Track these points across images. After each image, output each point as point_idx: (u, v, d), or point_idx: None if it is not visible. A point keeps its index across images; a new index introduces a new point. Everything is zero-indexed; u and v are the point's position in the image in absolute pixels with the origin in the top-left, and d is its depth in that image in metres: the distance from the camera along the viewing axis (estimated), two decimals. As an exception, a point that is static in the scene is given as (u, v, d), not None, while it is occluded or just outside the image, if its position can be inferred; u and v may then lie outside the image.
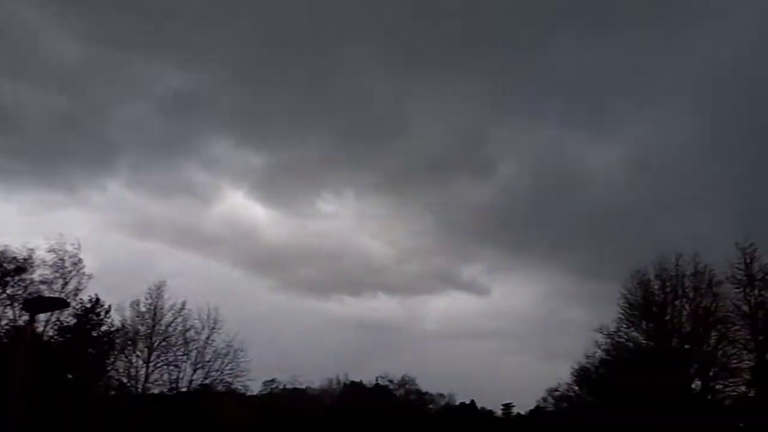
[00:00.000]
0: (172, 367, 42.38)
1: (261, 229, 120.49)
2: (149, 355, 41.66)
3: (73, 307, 39.24)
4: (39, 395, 29.14)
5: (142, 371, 41.63)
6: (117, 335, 41.89)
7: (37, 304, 26.57)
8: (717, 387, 40.40)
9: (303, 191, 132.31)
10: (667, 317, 41.99)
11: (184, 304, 42.74)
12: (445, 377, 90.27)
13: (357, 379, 79.08)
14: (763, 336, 36.52)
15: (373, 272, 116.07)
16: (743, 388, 39.80)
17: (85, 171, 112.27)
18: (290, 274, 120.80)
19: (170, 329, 42.22)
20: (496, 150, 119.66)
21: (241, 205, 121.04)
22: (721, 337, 39.37)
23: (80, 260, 38.99)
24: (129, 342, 41.75)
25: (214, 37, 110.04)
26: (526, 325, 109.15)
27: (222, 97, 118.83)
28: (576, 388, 58.55)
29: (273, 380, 72.03)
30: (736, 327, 38.38)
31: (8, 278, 36.76)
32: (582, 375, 55.26)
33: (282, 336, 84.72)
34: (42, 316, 35.65)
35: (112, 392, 42.79)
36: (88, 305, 41.04)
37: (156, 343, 41.84)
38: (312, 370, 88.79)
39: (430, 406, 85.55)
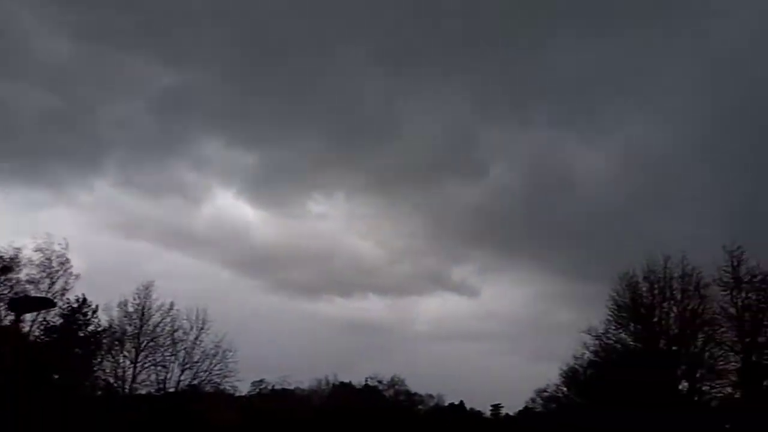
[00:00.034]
0: (159, 368, 42.22)
1: (251, 230, 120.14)
2: (137, 355, 41.43)
3: (60, 307, 39.03)
4: (25, 395, 28.86)
5: (130, 371, 41.46)
6: (104, 335, 41.65)
7: (23, 303, 26.36)
8: (704, 388, 40.63)
9: (293, 192, 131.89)
10: (655, 319, 42.22)
11: (172, 304, 42.63)
12: (435, 378, 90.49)
13: (346, 380, 79.14)
14: (749, 338, 36.78)
15: (364, 273, 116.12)
16: (729, 390, 40.08)
17: (73, 170, 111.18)
18: (280, 274, 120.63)
19: (158, 329, 42.09)
20: (487, 151, 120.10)
21: (230, 206, 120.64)
22: (708, 339, 39.62)
23: (67, 260, 38.88)
24: (116, 342, 41.50)
25: (205, 35, 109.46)
26: (515, 326, 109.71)
27: (212, 96, 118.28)
28: (564, 389, 58.91)
29: (262, 381, 71.81)
30: (722, 329, 38.63)
31: (-6, 278, 36.45)
32: (570, 376, 55.58)
33: (271, 337, 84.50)
34: (28, 316, 35.50)
35: (99, 392, 42.52)
36: (75, 305, 40.79)
37: (143, 344, 41.62)
38: (301, 371, 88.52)
39: (420, 406, 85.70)
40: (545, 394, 67.68)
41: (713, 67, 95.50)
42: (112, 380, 41.75)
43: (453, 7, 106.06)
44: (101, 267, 70.52)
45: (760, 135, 76.68)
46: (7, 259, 36.91)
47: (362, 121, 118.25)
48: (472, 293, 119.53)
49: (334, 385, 77.86)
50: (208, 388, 44.36)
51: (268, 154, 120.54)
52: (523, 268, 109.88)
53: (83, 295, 41.02)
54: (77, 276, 39.40)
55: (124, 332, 41.70)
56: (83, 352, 41.21)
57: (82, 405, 36.62)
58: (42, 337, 39.06)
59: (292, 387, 72.45)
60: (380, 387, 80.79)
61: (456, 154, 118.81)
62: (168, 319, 42.30)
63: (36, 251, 37.76)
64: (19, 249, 37.32)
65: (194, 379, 43.09)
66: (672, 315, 41.77)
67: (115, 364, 41.49)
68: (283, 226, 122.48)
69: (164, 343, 42.23)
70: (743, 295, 36.99)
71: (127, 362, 41.51)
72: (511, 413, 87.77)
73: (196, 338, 42.77)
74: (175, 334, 42.39)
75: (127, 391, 41.35)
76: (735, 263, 37.01)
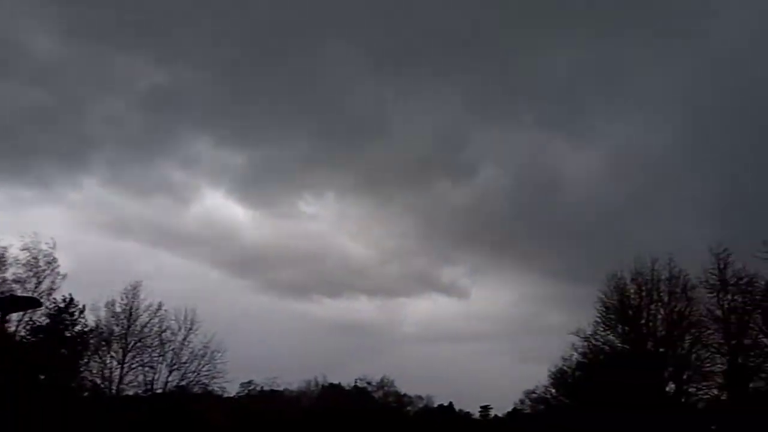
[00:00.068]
0: (147, 369, 41.89)
1: (240, 230, 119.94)
2: (124, 356, 41.10)
3: (47, 307, 38.73)
4: (11, 396, 28.60)
5: (117, 372, 41.10)
6: (91, 336, 41.29)
7: (9, 303, 25.92)
8: (690, 390, 40.90)
9: (283, 192, 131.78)
10: (643, 321, 42.47)
11: (160, 304, 42.26)
12: (424, 379, 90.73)
13: (335, 381, 79.02)
14: (735, 340, 37.07)
15: (353, 274, 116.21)
16: (716, 391, 40.42)
17: (60, 168, 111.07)
18: (270, 275, 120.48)
19: (146, 330, 41.75)
20: (477, 152, 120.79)
21: (220, 205, 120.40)
22: (694, 341, 39.93)
23: (54, 259, 38.61)
24: (103, 343, 41.15)
25: (195, 33, 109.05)
26: (505, 327, 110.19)
27: (202, 95, 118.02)
28: (553, 390, 59.14)
29: (250, 382, 71.46)
30: (709, 331, 38.95)
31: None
32: (559, 377, 55.83)
33: (260, 337, 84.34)
34: (14, 316, 35.10)
35: (86, 393, 42.12)
36: (62, 305, 40.50)
37: (131, 344, 41.28)
38: (290, 372, 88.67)
39: (409, 408, 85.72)
40: (534, 395, 68.01)
41: (701, 70, 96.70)
42: (99, 381, 41.38)
43: (444, 8, 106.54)
44: (89, 266, 70.25)
45: (748, 137, 77.64)
46: (-6, 258, 36.58)
47: (353, 122, 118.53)
48: (462, 295, 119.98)
49: (323, 386, 77.74)
50: (196, 389, 44.06)
51: (258, 154, 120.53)
52: (513, 269, 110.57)
53: (70, 294, 40.87)
54: (64, 275, 39.27)
55: (112, 332, 41.38)
56: (70, 352, 40.84)
57: (68, 406, 36.27)
58: (28, 337, 38.67)
59: (281, 388, 72.29)
60: (369, 388, 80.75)
61: (446, 154, 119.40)
62: (156, 320, 42.05)
63: (23, 250, 37.53)
64: (5, 248, 37.10)
65: (182, 380, 42.79)
66: (659, 317, 42.08)
67: (102, 365, 41.17)
68: (272, 226, 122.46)
69: (152, 343, 41.94)
70: (729, 297, 37.30)
71: (114, 363, 41.19)
72: (500, 414, 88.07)
73: (185, 339, 42.52)
74: (163, 335, 42.13)
75: (114, 392, 41.00)
76: (721, 266, 37.36)
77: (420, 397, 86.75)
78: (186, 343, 42.47)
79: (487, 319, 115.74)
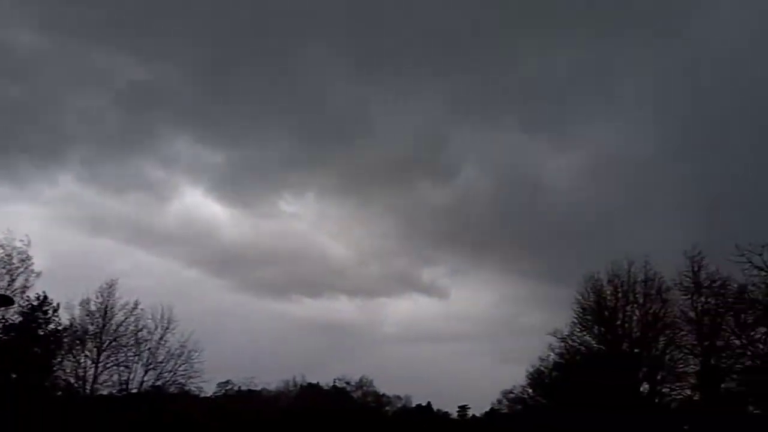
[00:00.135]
0: (122, 368, 41.31)
1: (219, 229, 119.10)
2: (98, 355, 40.51)
3: (20, 305, 38.06)
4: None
5: (91, 372, 40.50)
6: (65, 334, 40.65)
7: (-21, 301, 25.66)
8: (664, 390, 41.49)
9: (263, 191, 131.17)
10: (618, 322, 43.03)
11: (136, 303, 41.75)
12: (404, 379, 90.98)
13: (314, 381, 78.95)
14: (708, 341, 37.61)
15: (334, 274, 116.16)
16: (688, 392, 41.03)
17: (35, 164, 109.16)
18: (248, 274, 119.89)
19: (121, 329, 41.15)
20: (459, 153, 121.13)
21: (199, 204, 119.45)
22: (668, 342, 40.50)
23: (29, 256, 37.95)
24: (77, 341, 40.54)
25: (175, 30, 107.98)
26: (485, 328, 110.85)
27: (182, 92, 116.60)
28: (530, 390, 59.70)
29: (228, 382, 71.16)
30: (682, 332, 39.49)
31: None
32: (536, 378, 56.38)
33: (238, 337, 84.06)
34: (-14, 314, 34.45)
35: (59, 393, 41.49)
36: (36, 303, 39.79)
37: (106, 343, 40.69)
38: (268, 372, 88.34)
39: (387, 408, 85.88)
40: (511, 395, 68.57)
41: (684, 74, 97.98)
42: (72, 380, 40.77)
43: (426, 9, 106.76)
44: (64, 264, 69.38)
45: (724, 141, 79.11)
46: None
47: (334, 121, 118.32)
48: (442, 295, 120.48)
49: (301, 386, 77.59)
50: (172, 389, 43.61)
51: (238, 153, 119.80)
52: (494, 270, 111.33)
53: (44, 292, 40.10)
54: (38, 273, 38.62)
55: (86, 331, 40.76)
56: (43, 351, 40.16)
57: (40, 405, 35.72)
58: (0, 335, 38.01)
59: (259, 388, 71.96)
60: (348, 388, 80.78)
61: (427, 155, 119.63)
62: (132, 319, 41.47)
63: (-4, 247, 36.74)
64: (-22, 245, 36.28)
65: (158, 379, 42.28)
66: (635, 318, 42.68)
67: (76, 364, 40.52)
68: (252, 226, 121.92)
69: (127, 342, 41.38)
70: (702, 299, 37.81)
71: (89, 362, 40.58)
72: (477, 414, 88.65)
73: (161, 338, 42.01)
74: (139, 334, 41.55)
75: (88, 391, 40.45)
76: (695, 269, 37.86)
77: (399, 397, 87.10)
78: (162, 343, 42.02)
79: (468, 320, 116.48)
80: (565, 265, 77.39)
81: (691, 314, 38.35)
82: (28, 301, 39.18)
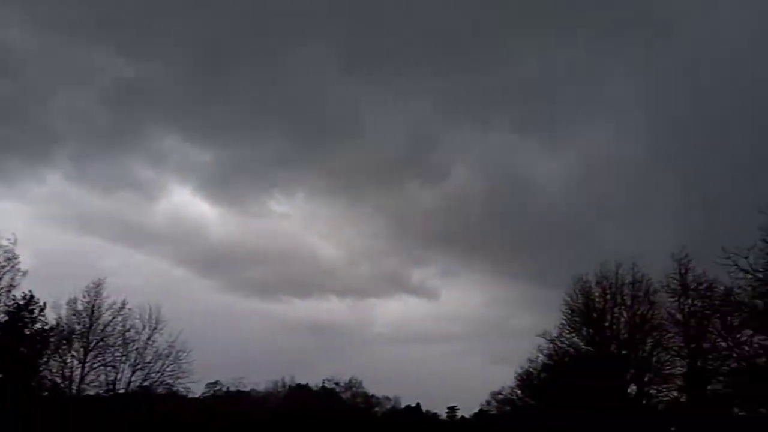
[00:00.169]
0: (109, 368, 40.94)
1: (208, 228, 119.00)
2: (85, 355, 40.13)
3: (6, 304, 38.04)
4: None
5: (78, 372, 40.13)
6: (51, 334, 40.28)
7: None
8: (651, 392, 41.75)
9: (253, 190, 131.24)
10: (606, 323, 43.27)
11: (124, 302, 41.39)
12: (393, 380, 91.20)
13: (303, 382, 78.75)
14: (694, 343, 37.91)
15: (324, 274, 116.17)
16: (675, 394, 41.31)
17: (23, 161, 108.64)
18: (238, 274, 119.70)
19: (108, 329, 40.78)
20: (449, 154, 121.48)
21: (187, 202, 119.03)
22: (655, 344, 40.75)
23: (15, 255, 37.74)
24: (64, 341, 40.18)
25: (165, 27, 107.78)
26: (476, 329, 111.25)
27: (171, 90, 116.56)
28: (519, 391, 59.84)
29: (216, 382, 70.90)
30: (670, 334, 39.78)
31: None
32: (525, 379, 56.52)
33: (227, 337, 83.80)
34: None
35: (45, 393, 41.12)
36: (22, 302, 39.45)
37: (93, 343, 40.32)
38: (257, 373, 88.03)
39: (377, 409, 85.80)
40: (500, 396, 68.73)
41: (676, 74, 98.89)
42: (59, 380, 40.37)
43: (417, 10, 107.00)
44: (50, 263, 68.92)
45: (712, 143, 79.81)
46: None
47: (325, 122, 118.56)
48: (432, 296, 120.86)
49: (290, 386, 77.41)
50: (160, 389, 43.30)
51: (227, 152, 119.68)
52: (485, 271, 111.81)
53: (30, 291, 39.78)
54: (25, 272, 38.51)
55: (73, 331, 40.38)
56: (29, 350, 39.80)
57: (26, 405, 35.41)
58: (-15, 335, 37.70)
59: (247, 389, 71.79)
60: (338, 389, 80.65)
61: (418, 155, 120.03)
62: (119, 318, 41.08)
63: (-18, 246, 36.43)
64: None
65: (146, 380, 41.94)
66: (622, 320, 42.91)
67: (63, 364, 40.11)
68: (241, 225, 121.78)
69: (115, 342, 40.98)
70: (690, 301, 38.14)
71: (75, 362, 40.15)
72: (466, 416, 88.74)
73: (149, 338, 41.61)
74: (127, 334, 41.15)
75: (74, 391, 40.10)
76: (682, 271, 38.19)
77: (388, 398, 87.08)
78: (150, 343, 41.63)
79: (458, 321, 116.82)
80: (556, 267, 78.07)
81: (678, 316, 38.65)
82: (14, 300, 38.93)
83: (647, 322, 41.23)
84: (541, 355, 49.84)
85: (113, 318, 41.00)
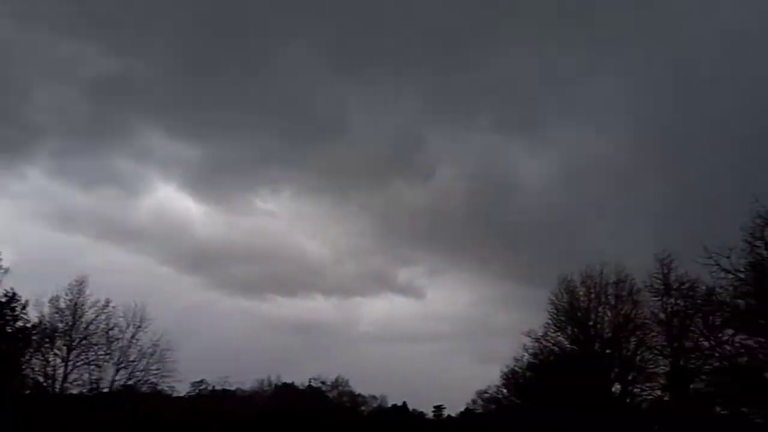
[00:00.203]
0: (92, 367, 40.61)
1: (193, 225, 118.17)
2: (68, 353, 39.79)
3: (-13, 302, 37.30)
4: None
5: (60, 370, 39.78)
6: (34, 332, 39.87)
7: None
8: (635, 391, 42.12)
9: (239, 188, 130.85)
10: (591, 323, 43.61)
11: (107, 301, 41.11)
12: (379, 379, 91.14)
13: (289, 381, 78.56)
14: (677, 343, 38.29)
15: (309, 272, 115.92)
16: (659, 392, 41.73)
17: (2, 157, 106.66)
18: (222, 272, 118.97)
19: (92, 327, 40.48)
20: (435, 154, 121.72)
21: (171, 199, 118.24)
22: (639, 343, 41.15)
23: (-4, 252, 37.15)
24: (46, 339, 39.80)
25: (151, 23, 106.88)
26: (463, 328, 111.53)
27: (155, 84, 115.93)
28: (504, 390, 60.04)
29: (201, 381, 70.42)
30: (653, 334, 40.18)
31: None
32: (510, 378, 56.72)
33: (212, 336, 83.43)
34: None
35: (27, 392, 40.70)
36: (3, 300, 39.09)
37: (76, 341, 39.99)
38: (243, 371, 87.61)
39: (363, 408, 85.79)
40: (486, 395, 68.99)
41: (655, 77, 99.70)
42: (41, 379, 40.00)
43: (405, 10, 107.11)
44: (32, 260, 68.09)
45: (694, 144, 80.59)
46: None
47: (311, 120, 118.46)
48: (418, 295, 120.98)
49: (276, 385, 77.20)
50: (144, 388, 43.02)
51: (213, 149, 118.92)
52: (471, 270, 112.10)
53: (12, 289, 39.43)
54: (6, 270, 38.31)
55: (55, 329, 40.03)
56: (11, 349, 39.41)
57: (8, 404, 35.02)
58: (-34, 333, 37.25)
59: (233, 388, 71.42)
60: (324, 388, 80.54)
61: (404, 155, 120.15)
62: (103, 316, 40.80)
63: (-38, 243, 36.05)
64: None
65: (130, 379, 41.67)
66: (606, 319, 43.30)
67: (45, 363, 39.77)
68: (226, 223, 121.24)
69: (98, 341, 40.70)
70: (672, 301, 38.53)
71: (58, 360, 39.85)
72: (453, 414, 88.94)
73: (133, 336, 41.37)
74: (110, 332, 40.89)
75: (57, 390, 39.71)
76: (665, 271, 38.58)
77: (374, 397, 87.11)
78: (134, 341, 41.41)
79: (445, 320, 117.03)
80: (542, 266, 78.38)
81: (662, 316, 39.05)
82: (-5, 297, 38.48)
83: (631, 322, 41.60)
84: (526, 354, 50.16)
85: (96, 316, 40.78)
